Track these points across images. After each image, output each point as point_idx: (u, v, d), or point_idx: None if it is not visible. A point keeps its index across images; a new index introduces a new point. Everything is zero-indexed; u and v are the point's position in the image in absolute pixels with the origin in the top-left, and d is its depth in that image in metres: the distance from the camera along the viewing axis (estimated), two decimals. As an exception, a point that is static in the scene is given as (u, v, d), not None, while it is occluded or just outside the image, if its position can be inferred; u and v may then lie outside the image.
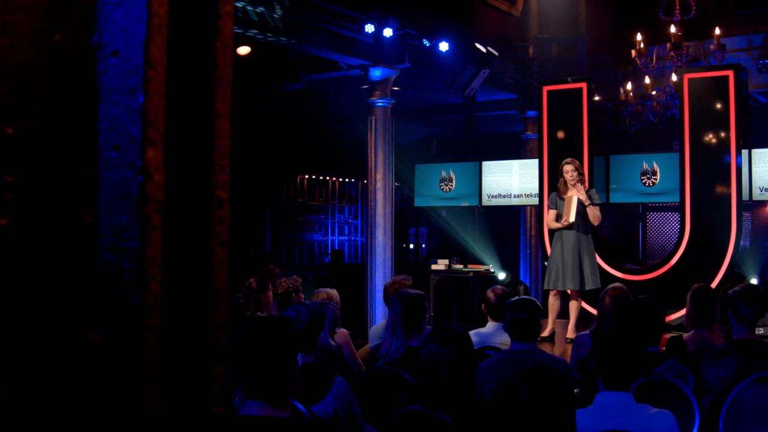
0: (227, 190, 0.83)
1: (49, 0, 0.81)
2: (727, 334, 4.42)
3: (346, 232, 15.15)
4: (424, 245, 15.02)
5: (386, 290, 5.67)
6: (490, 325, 5.06)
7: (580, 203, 7.06)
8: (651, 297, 4.21)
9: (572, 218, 7.01)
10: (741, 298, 4.00)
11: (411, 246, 14.23)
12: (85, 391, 0.78)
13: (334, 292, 5.40)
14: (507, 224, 12.67)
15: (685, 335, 4.60)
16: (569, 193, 7.12)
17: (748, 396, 3.50)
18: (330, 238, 14.71)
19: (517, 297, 4.41)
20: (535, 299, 4.34)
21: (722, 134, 8.04)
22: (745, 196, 8.30)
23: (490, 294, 5.12)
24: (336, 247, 14.44)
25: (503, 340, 4.67)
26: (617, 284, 4.83)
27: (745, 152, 8.30)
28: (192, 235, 0.81)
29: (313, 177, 14.39)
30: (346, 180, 15.01)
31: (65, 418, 0.79)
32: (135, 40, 0.77)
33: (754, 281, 8.79)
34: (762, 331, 5.91)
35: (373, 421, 3.41)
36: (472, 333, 4.76)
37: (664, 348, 4.42)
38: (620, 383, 2.88)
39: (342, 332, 4.95)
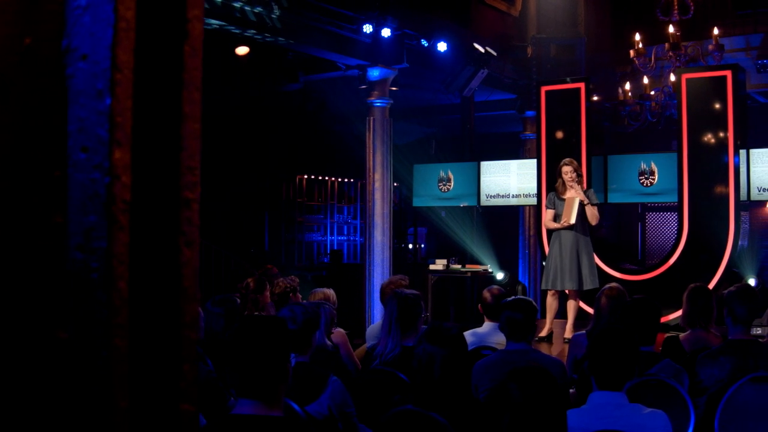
0: (196, 191, 0.84)
1: (20, 4, 0.82)
2: (724, 334, 4.43)
3: (345, 232, 15.15)
4: (422, 245, 15.00)
5: (383, 290, 5.67)
6: (487, 325, 5.05)
7: (581, 205, 7.06)
8: (646, 297, 4.21)
9: (572, 220, 7.00)
10: (736, 298, 4.00)
11: (410, 246, 14.22)
12: (53, 389, 0.79)
13: (331, 292, 5.40)
14: (505, 224, 12.68)
15: (682, 335, 4.61)
16: (569, 194, 7.11)
17: (743, 396, 3.50)
18: (329, 238, 14.71)
19: (512, 297, 4.41)
20: (530, 299, 4.33)
21: (720, 134, 8.04)
22: (744, 196, 8.30)
23: (486, 294, 5.12)
24: (335, 247, 14.43)
25: (499, 340, 4.66)
26: (613, 284, 4.84)
27: (743, 152, 8.30)
28: (160, 235, 0.82)
29: (312, 177, 14.39)
30: (345, 180, 15.01)
31: (34, 415, 0.80)
32: (102, 44, 0.78)
33: (751, 281, 8.80)
34: (759, 332, 5.91)
35: (368, 420, 3.42)
36: (468, 333, 4.76)
37: (660, 348, 4.42)
38: (613, 383, 2.88)
39: (339, 332, 4.95)
